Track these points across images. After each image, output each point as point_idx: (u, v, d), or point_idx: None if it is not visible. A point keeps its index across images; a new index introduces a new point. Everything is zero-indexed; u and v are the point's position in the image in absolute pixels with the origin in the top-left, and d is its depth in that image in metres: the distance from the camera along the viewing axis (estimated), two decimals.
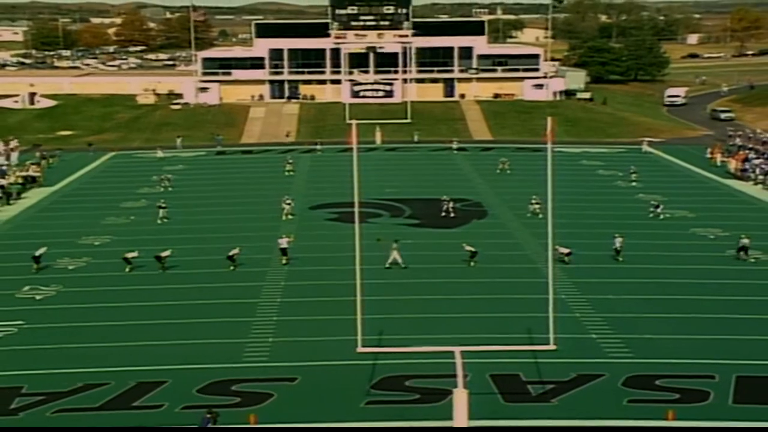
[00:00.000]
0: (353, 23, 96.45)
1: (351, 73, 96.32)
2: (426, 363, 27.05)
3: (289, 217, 49.47)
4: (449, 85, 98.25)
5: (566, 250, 39.25)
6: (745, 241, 40.54)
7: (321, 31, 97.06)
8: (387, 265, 38.80)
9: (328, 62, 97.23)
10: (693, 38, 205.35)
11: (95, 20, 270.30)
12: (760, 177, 59.62)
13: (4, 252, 43.06)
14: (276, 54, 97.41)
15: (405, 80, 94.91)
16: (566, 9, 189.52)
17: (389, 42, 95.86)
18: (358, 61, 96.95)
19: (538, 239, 41.92)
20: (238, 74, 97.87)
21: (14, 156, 70.10)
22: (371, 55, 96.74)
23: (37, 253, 39.62)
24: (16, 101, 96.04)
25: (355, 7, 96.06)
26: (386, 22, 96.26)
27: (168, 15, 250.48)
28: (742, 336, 30.87)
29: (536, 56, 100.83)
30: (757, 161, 63.52)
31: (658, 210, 49.17)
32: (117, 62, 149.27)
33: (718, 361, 28.33)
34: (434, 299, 35.12)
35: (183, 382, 27.07)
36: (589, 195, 55.49)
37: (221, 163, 71.94)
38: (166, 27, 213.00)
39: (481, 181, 61.28)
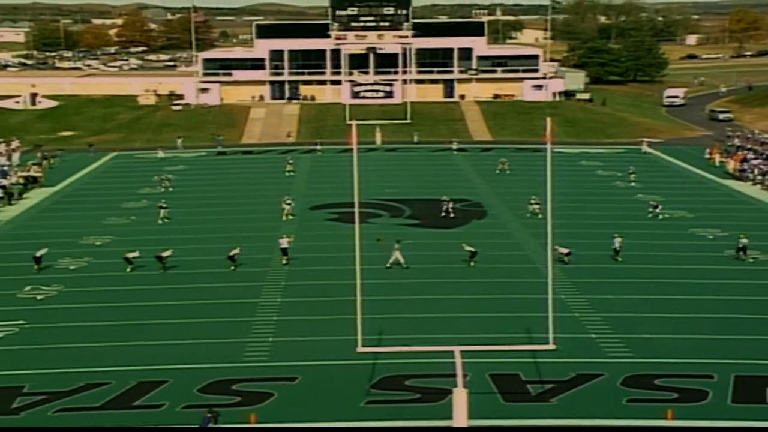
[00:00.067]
0: (353, 24, 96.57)
1: (351, 73, 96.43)
2: (426, 363, 27.15)
3: (290, 217, 49.60)
4: (449, 86, 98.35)
5: (566, 250, 39.38)
6: (745, 241, 40.68)
7: (321, 32, 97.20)
8: (388, 265, 38.92)
9: (328, 63, 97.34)
10: (692, 39, 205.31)
11: (96, 21, 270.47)
12: (759, 177, 59.73)
13: (5, 252, 43.17)
14: (276, 55, 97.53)
15: (405, 81, 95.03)
16: (565, 10, 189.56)
17: (389, 43, 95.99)
18: (358, 61, 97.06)
19: (538, 239, 42.02)
20: (238, 75, 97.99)
21: (16, 156, 70.21)
22: (371, 56, 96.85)
23: (38, 254, 39.75)
24: (18, 102, 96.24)
25: (355, 8, 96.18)
26: (386, 23, 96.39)
27: (169, 16, 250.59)
28: (740, 336, 30.98)
29: (536, 57, 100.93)
30: (755, 161, 63.62)
31: (657, 210, 49.29)
32: (118, 63, 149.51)
33: (716, 361, 28.44)
34: (434, 299, 35.23)
35: (184, 381, 27.17)
36: (589, 195, 55.62)
37: (222, 163, 72.07)
38: (167, 28, 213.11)
39: (480, 181, 61.40)
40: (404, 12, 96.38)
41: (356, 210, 25.99)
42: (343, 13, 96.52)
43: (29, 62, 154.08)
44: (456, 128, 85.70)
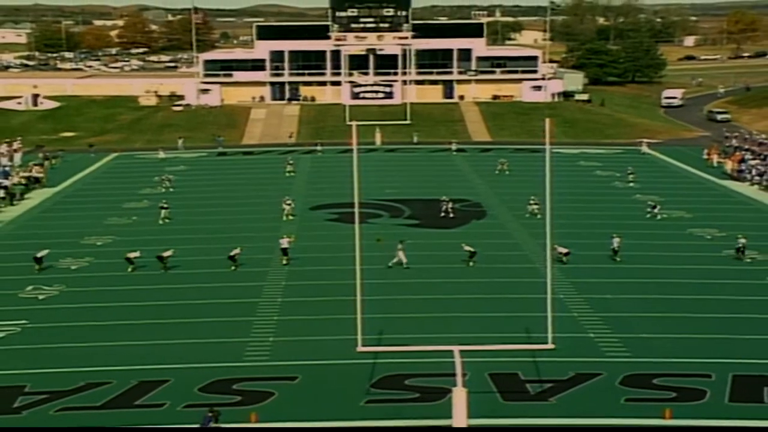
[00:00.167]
0: (353, 25, 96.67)
1: (351, 74, 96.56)
2: (425, 362, 27.28)
3: (290, 217, 49.75)
4: (448, 87, 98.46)
5: (565, 250, 39.55)
6: (743, 241, 40.86)
7: (321, 33, 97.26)
8: (390, 265, 39.08)
9: (328, 64, 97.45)
10: (690, 40, 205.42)
11: (98, 22, 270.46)
12: (756, 177, 59.88)
13: (7, 252, 43.30)
14: (277, 56, 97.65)
15: (404, 82, 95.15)
16: (564, 11, 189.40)
17: (389, 44, 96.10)
18: (358, 62, 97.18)
19: (537, 239, 42.13)
20: (239, 76, 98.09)
21: (17, 157, 70.30)
22: (371, 57, 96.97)
23: (38, 255, 39.90)
24: (20, 103, 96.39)
25: (355, 10, 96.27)
26: (386, 24, 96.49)
27: (170, 17, 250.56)
28: (738, 335, 31.12)
29: (535, 58, 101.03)
30: (753, 162, 63.73)
31: (656, 210, 49.43)
32: (119, 64, 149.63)
33: (714, 360, 28.58)
34: (434, 299, 35.37)
35: (185, 381, 27.29)
36: (587, 195, 55.77)
37: (222, 164, 72.20)
38: (167, 29, 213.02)
39: (480, 181, 61.55)
40: (404, 13, 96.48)
41: (356, 210, 26.05)
42: (343, 14, 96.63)
43: (31, 63, 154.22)
44: (455, 129, 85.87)
